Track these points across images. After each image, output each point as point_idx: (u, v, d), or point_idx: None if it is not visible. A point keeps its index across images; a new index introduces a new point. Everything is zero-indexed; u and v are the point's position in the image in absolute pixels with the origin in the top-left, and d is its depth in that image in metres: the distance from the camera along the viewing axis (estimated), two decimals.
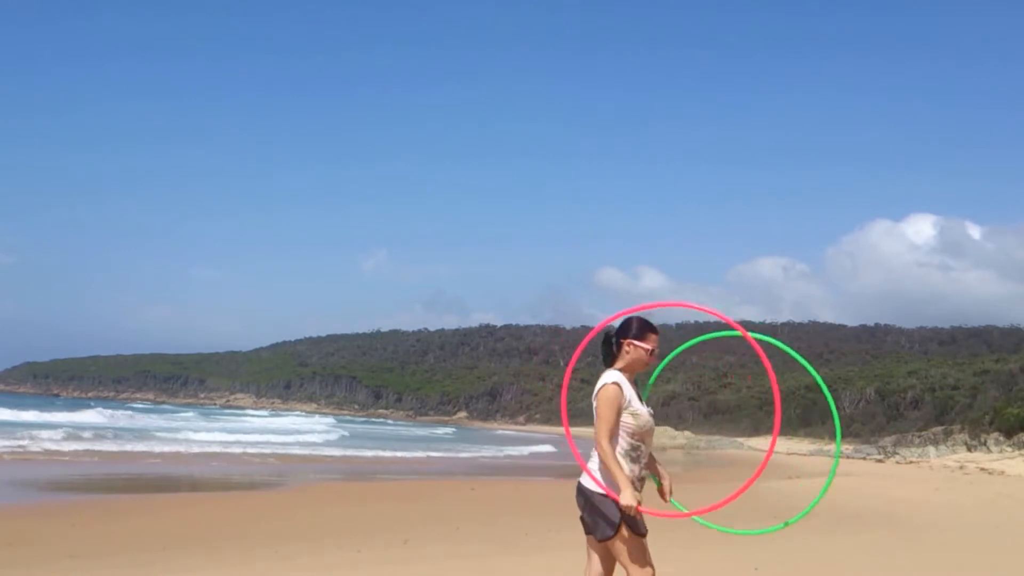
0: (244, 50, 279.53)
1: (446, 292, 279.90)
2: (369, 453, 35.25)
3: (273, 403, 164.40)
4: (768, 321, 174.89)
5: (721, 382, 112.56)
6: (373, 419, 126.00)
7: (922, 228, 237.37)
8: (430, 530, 12.51)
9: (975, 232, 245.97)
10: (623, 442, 4.80)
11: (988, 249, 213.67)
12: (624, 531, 4.70)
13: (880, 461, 37.27)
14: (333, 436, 47.68)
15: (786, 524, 5.27)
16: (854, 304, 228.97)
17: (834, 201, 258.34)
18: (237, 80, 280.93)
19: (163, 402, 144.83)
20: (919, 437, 49.34)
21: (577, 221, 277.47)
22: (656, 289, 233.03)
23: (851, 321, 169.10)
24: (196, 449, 31.36)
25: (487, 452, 43.15)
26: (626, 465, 4.77)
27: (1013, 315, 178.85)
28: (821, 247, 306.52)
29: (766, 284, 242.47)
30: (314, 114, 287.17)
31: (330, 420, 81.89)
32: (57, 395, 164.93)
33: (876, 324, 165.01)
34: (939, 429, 50.68)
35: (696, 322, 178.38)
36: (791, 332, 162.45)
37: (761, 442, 64.65)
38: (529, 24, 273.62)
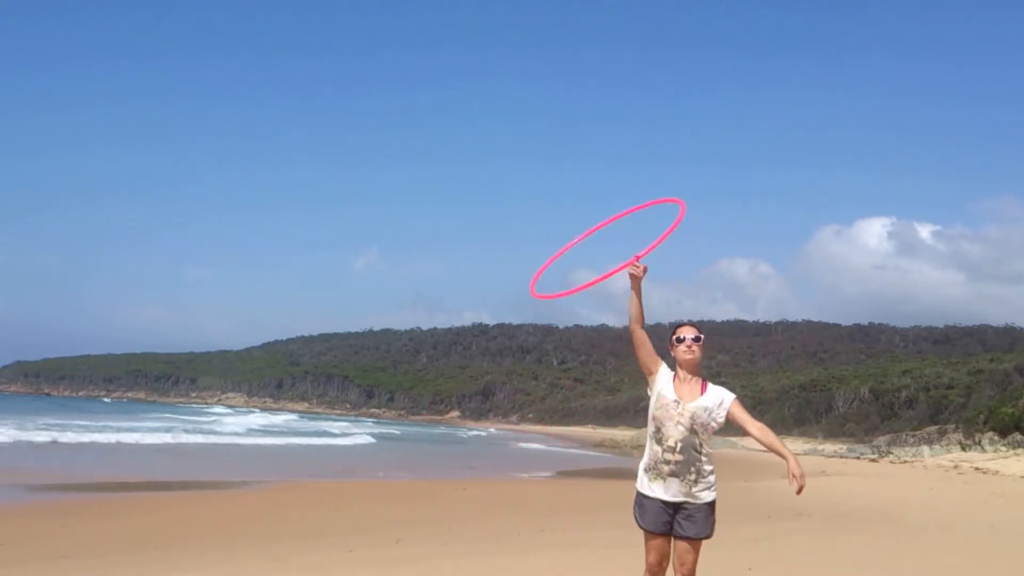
0: (237, 52, 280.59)
1: (438, 291, 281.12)
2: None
3: (265, 402, 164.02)
4: (762, 320, 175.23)
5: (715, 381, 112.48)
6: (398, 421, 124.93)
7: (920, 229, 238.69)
8: (422, 530, 12.45)
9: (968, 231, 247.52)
10: (649, 425, 5.18)
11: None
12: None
13: (874, 460, 37.22)
14: None
15: None
16: (836, 300, 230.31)
17: (816, 199, 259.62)
18: (229, 81, 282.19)
19: (155, 401, 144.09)
20: (913, 436, 49.35)
21: (558, 220, 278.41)
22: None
23: (844, 320, 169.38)
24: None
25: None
26: (649, 447, 5.08)
27: (1005, 314, 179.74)
28: (797, 246, 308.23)
29: (741, 283, 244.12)
30: (306, 116, 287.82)
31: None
32: (48, 394, 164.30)
33: (870, 323, 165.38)
34: (933, 428, 50.70)
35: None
36: (786, 331, 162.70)
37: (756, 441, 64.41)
38: (515, 26, 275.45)
